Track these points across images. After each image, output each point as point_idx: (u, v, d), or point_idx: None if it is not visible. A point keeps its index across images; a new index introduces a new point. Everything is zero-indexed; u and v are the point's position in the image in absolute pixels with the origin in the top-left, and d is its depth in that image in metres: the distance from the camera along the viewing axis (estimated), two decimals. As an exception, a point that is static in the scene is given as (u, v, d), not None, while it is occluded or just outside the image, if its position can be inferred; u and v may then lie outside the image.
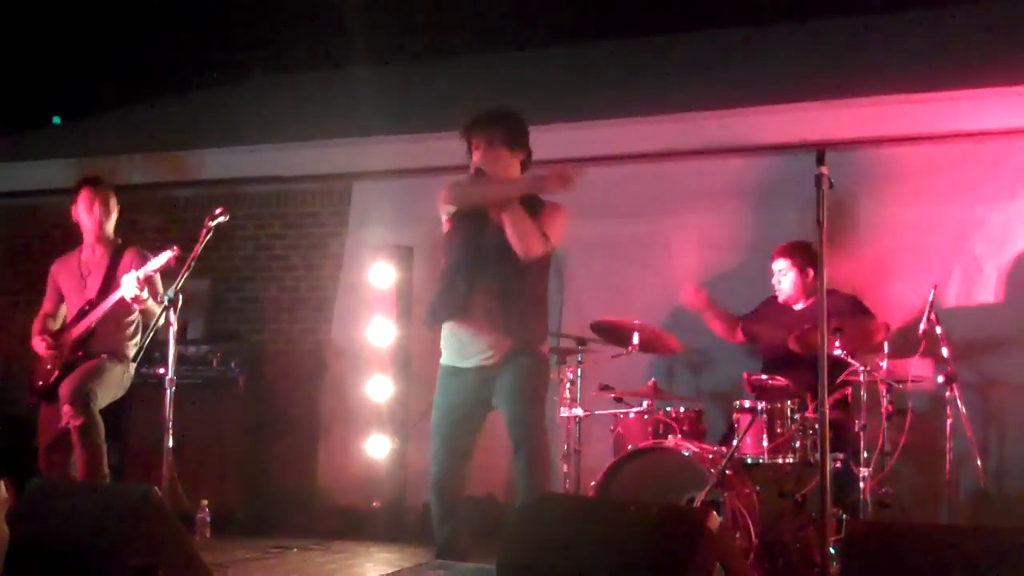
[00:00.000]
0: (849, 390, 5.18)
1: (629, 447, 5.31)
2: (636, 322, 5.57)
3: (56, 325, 5.74)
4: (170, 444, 4.73)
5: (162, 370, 4.97)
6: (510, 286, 4.36)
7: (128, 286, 5.24)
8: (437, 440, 4.43)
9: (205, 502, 6.05)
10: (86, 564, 3.50)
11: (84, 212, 5.69)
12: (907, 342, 5.19)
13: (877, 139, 6.12)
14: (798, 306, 5.74)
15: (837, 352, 4.91)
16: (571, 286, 6.35)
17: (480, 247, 4.43)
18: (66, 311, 5.75)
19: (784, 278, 5.73)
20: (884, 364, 5.02)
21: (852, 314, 5.39)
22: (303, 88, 10.19)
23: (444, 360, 4.54)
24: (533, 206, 4.43)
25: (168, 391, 4.79)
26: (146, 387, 5.83)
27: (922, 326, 5.09)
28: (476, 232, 4.45)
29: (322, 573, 5.34)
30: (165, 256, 5.26)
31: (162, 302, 4.93)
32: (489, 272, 4.39)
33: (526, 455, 4.23)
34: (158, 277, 5.45)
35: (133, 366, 5.61)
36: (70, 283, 5.72)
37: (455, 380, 4.46)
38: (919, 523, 4.92)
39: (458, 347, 4.47)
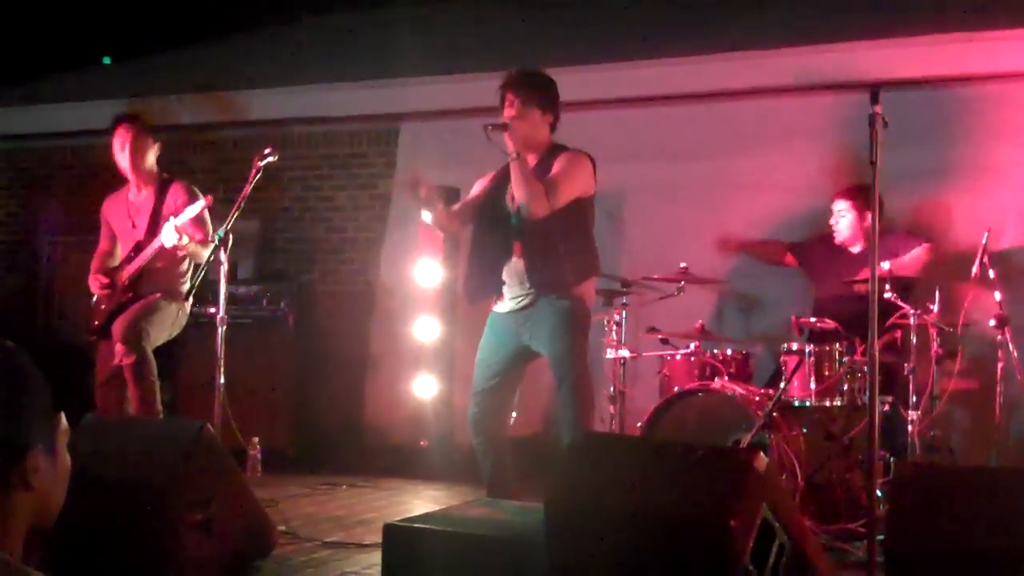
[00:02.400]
0: (899, 333, 5.14)
1: (675, 388, 5.31)
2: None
3: (115, 262, 5.73)
4: (222, 382, 4.80)
5: (213, 309, 5.03)
6: (531, 234, 4.38)
7: (167, 235, 5.25)
8: (475, 380, 4.56)
9: (256, 439, 6.15)
10: (140, 499, 3.56)
11: (117, 151, 5.64)
12: (960, 286, 5.12)
13: (933, 78, 6.01)
14: (855, 248, 5.65)
15: (887, 295, 4.86)
16: (626, 228, 6.31)
17: (497, 209, 4.55)
18: (120, 250, 5.78)
19: (843, 219, 5.64)
20: (934, 307, 4.96)
21: (906, 247, 5.37)
22: (350, 28, 10.15)
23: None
24: (551, 155, 4.45)
25: (219, 330, 4.85)
26: (197, 326, 5.88)
27: (974, 270, 5.02)
28: (493, 202, 4.58)
29: (371, 509, 5.42)
30: (199, 205, 5.27)
31: (212, 241, 4.97)
32: (510, 226, 4.46)
33: (569, 387, 4.29)
34: (207, 216, 5.46)
35: (188, 304, 5.58)
36: (120, 223, 5.73)
37: (493, 325, 4.58)
38: (966, 466, 4.89)
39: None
